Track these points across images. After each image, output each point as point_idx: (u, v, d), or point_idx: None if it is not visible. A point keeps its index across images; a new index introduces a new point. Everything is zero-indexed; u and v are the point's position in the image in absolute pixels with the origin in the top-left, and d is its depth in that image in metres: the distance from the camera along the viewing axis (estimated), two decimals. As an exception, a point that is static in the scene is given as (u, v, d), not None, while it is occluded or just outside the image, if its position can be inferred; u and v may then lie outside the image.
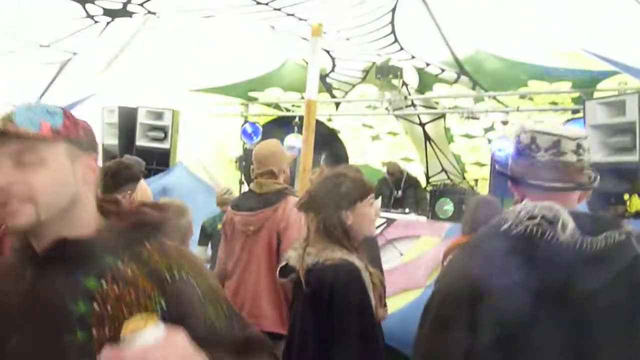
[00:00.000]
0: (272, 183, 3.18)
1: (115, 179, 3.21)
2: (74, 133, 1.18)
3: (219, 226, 5.49)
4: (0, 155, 1.12)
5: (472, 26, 6.15)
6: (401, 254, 6.65)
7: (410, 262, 6.49)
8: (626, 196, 3.37)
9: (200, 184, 7.81)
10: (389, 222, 6.95)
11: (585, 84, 6.30)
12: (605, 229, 1.43)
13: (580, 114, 5.79)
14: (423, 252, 6.51)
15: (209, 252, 5.60)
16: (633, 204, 3.22)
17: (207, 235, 5.59)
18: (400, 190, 8.22)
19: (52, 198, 1.14)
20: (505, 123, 7.26)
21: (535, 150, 1.55)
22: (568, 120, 6.78)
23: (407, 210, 7.52)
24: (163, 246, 1.22)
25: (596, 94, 6.35)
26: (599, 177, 1.58)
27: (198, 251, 5.54)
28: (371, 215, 2.15)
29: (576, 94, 6.60)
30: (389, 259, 6.52)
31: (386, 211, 7.48)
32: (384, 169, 9.25)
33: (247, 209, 3.21)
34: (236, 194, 8.50)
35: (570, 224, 1.42)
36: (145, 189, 3.60)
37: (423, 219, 7.07)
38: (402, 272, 6.41)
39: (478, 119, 7.62)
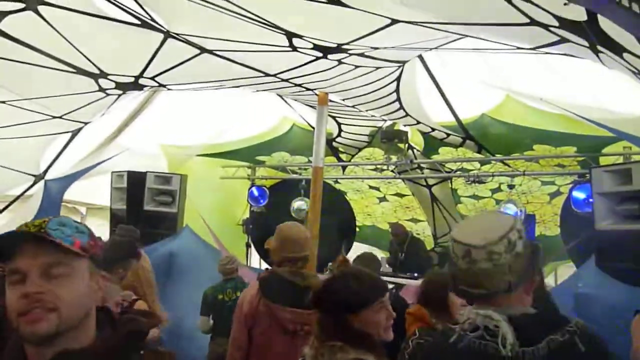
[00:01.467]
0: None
1: (106, 259, 3.24)
2: (95, 251, 1.28)
3: (220, 296, 5.57)
4: (30, 264, 1.18)
5: (476, 92, 6.32)
6: (410, 322, 6.54)
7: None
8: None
9: (207, 248, 7.78)
10: (398, 288, 6.89)
11: (590, 148, 6.36)
12: (549, 331, 1.50)
13: (587, 177, 5.86)
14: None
15: (211, 322, 5.54)
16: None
17: (209, 305, 5.54)
18: (403, 253, 8.17)
19: (74, 310, 1.20)
20: (512, 187, 7.29)
21: (455, 258, 1.65)
22: (575, 184, 6.79)
23: (415, 274, 7.44)
24: (157, 355, 1.32)
25: (602, 159, 6.40)
26: (520, 281, 1.60)
27: (201, 321, 5.51)
28: (380, 320, 2.04)
29: (582, 158, 6.64)
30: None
31: (394, 275, 7.47)
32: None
33: (294, 304, 2.83)
34: (242, 259, 8.61)
35: (510, 337, 1.48)
36: (143, 267, 3.59)
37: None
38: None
39: (484, 182, 7.63)
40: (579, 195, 6.38)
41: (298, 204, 8.62)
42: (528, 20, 2.57)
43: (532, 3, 2.24)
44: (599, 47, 2.54)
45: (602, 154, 6.39)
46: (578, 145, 6.50)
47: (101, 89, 5.08)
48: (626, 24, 1.82)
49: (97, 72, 4.71)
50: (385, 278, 6.85)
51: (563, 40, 2.81)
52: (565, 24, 2.36)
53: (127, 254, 3.30)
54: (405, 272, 7.66)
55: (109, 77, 4.85)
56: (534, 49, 3.66)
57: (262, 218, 8.93)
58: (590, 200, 5.68)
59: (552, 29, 2.58)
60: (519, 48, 4.04)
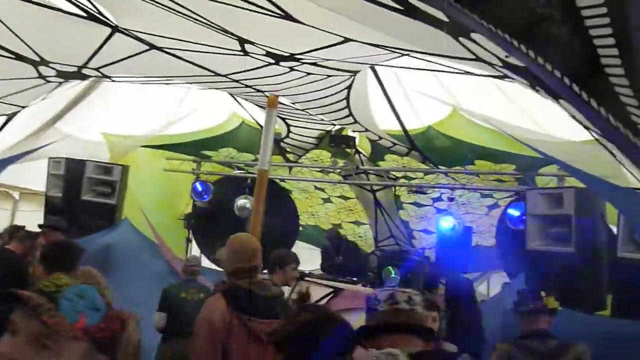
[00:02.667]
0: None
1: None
2: (102, 334, 1.16)
3: (183, 295, 5.43)
4: (25, 323, 1.09)
5: (424, 104, 6.44)
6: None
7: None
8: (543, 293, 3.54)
9: (145, 242, 7.64)
10: (336, 292, 6.98)
11: (528, 166, 6.60)
12: None
13: (523, 194, 6.09)
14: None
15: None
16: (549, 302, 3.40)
17: (170, 302, 5.40)
18: (341, 257, 8.27)
19: None
20: (452, 199, 7.50)
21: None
22: (511, 201, 7.03)
23: (354, 279, 7.56)
24: None
25: (538, 179, 6.66)
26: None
27: (157, 317, 5.36)
28: None
29: (520, 175, 6.91)
30: (334, 330, 6.56)
31: (333, 280, 7.51)
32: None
33: (264, 315, 2.91)
34: (181, 254, 8.47)
35: None
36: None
37: (370, 290, 7.03)
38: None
39: (426, 194, 7.87)
40: (514, 212, 6.60)
41: (242, 202, 8.49)
42: (474, 57, 2.66)
43: (478, 44, 2.32)
44: (537, 88, 2.65)
45: (538, 174, 6.65)
46: (517, 163, 6.73)
47: (41, 76, 4.95)
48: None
49: (38, 59, 4.60)
50: (323, 282, 7.17)
51: (507, 76, 2.92)
52: (508, 65, 2.46)
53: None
54: (343, 276, 7.73)
55: (50, 65, 4.72)
56: (482, 75, 3.77)
57: (205, 214, 8.83)
58: (524, 217, 5.92)
59: (496, 67, 2.68)
60: (467, 73, 4.14)
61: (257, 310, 2.93)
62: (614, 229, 5.06)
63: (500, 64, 2.52)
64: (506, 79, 3.72)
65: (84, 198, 7.66)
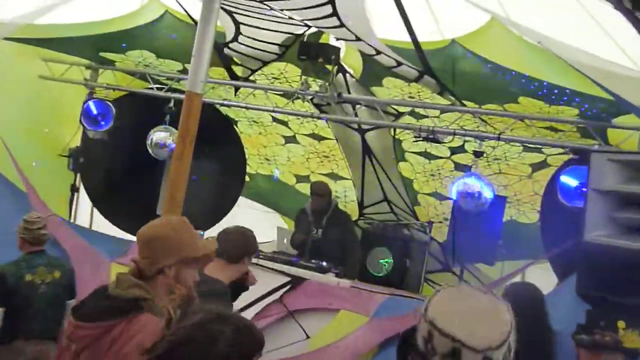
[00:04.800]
0: (135, 283, 2.97)
1: None
2: None
3: (28, 277, 5.50)
4: None
5: (449, 7, 6.34)
6: (307, 337, 6.67)
7: (321, 351, 6.49)
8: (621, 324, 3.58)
9: (8, 190, 7.74)
10: (295, 282, 6.97)
11: (598, 115, 6.57)
12: None
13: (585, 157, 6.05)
14: (341, 336, 6.50)
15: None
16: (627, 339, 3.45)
17: (8, 289, 5.44)
18: (320, 229, 8.18)
19: None
20: (478, 153, 7.46)
21: (429, 352, 1.78)
22: (566, 164, 7.03)
23: (327, 265, 7.47)
24: None
25: (611, 134, 6.61)
26: None
27: None
28: None
29: (584, 125, 6.89)
30: (289, 340, 6.56)
31: (295, 264, 7.44)
32: (301, 186, 9.39)
33: (82, 317, 2.97)
34: (63, 211, 8.36)
35: None
36: None
37: (346, 282, 7.06)
38: (305, 366, 6.39)
39: (441, 142, 7.82)
40: (569, 181, 6.56)
41: (160, 135, 8.40)
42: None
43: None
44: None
45: (613, 126, 6.61)
46: (583, 108, 6.64)
47: None
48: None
49: None
50: (278, 267, 7.11)
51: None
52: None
53: None
54: (315, 259, 7.70)
55: None
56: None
57: (101, 150, 8.83)
58: (584, 190, 5.91)
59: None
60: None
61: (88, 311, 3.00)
62: None
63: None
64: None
65: None
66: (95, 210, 9.46)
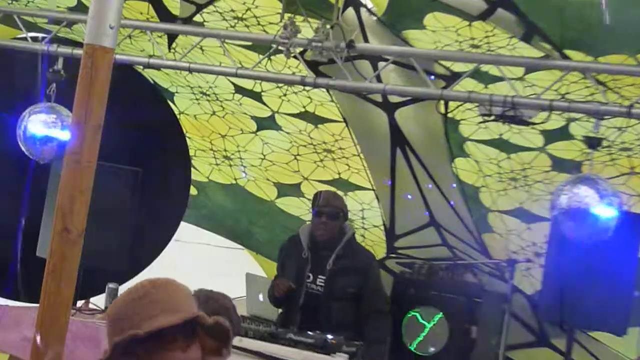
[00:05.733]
0: None
1: None
2: None
3: None
4: None
5: None
6: None
7: None
8: None
9: None
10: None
11: None
12: None
13: None
14: None
15: None
16: None
17: None
18: (323, 277, 6.61)
19: None
20: (594, 143, 6.12)
21: None
22: None
23: (330, 337, 6.01)
24: None
25: None
26: None
27: None
28: None
29: None
30: None
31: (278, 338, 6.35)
32: (284, 203, 8.32)
33: None
34: None
35: None
36: None
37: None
38: None
39: (531, 123, 6.36)
40: None
41: (40, 120, 6.80)
42: None
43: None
44: None
45: None
46: None
47: None
48: None
49: None
50: (248, 345, 6.15)
51: None
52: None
53: None
54: (313, 328, 6.23)
55: None
56: None
57: None
58: None
59: None
60: None
61: None
62: None
63: None
64: None
65: None
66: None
